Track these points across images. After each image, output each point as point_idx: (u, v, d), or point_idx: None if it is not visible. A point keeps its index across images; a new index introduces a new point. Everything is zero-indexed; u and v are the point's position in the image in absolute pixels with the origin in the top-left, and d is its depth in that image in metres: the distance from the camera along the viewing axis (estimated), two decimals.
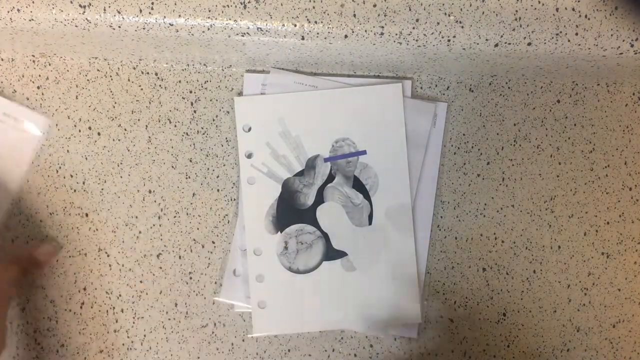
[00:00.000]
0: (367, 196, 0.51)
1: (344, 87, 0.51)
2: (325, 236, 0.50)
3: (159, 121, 0.52)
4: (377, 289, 0.50)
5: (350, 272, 0.50)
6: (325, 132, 0.51)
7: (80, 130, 0.52)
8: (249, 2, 0.44)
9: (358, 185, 0.51)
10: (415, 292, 0.50)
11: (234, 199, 0.52)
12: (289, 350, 0.51)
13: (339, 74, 0.52)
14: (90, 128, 0.52)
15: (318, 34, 0.45)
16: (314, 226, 0.50)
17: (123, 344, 0.51)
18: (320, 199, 0.51)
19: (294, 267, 0.50)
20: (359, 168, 0.51)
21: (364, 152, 0.51)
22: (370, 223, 0.51)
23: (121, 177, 0.52)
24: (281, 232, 0.50)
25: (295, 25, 0.45)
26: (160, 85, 0.52)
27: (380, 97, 0.51)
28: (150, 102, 0.52)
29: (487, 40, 0.45)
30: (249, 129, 0.51)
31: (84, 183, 0.52)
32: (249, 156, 0.51)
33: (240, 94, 0.52)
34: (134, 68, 0.52)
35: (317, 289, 0.50)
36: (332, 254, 0.51)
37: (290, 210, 0.50)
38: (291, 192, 0.50)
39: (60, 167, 0.52)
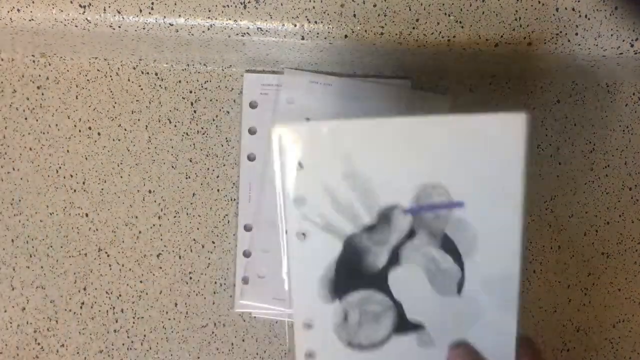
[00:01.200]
0: (458, 259, 0.39)
1: (439, 116, 0.39)
2: (398, 306, 0.39)
3: (159, 121, 0.52)
4: None
5: (427, 349, 0.39)
6: (408, 174, 0.38)
7: (80, 130, 0.52)
8: (249, 2, 0.44)
9: (447, 245, 0.38)
10: None
11: (234, 199, 0.52)
12: (289, 350, 0.52)
13: (338, 74, 0.52)
14: (90, 128, 0.52)
15: (318, 34, 0.45)
16: (385, 294, 0.39)
17: (123, 344, 0.51)
18: (394, 260, 0.39)
19: (355, 341, 0.39)
20: (452, 224, 0.38)
21: (460, 204, 0.38)
22: (459, 292, 0.39)
23: (121, 177, 0.52)
24: (340, 300, 0.39)
25: (295, 25, 0.45)
26: (160, 85, 0.52)
27: (493, 129, 0.38)
28: (150, 102, 0.52)
29: (487, 40, 0.45)
30: (301, 167, 0.38)
31: (84, 183, 0.52)
32: (301, 203, 0.39)
33: (240, 93, 0.52)
34: (134, 68, 0.52)
35: None
36: (405, 325, 0.39)
37: (354, 273, 0.39)
38: (357, 250, 0.39)
39: (60, 167, 0.52)
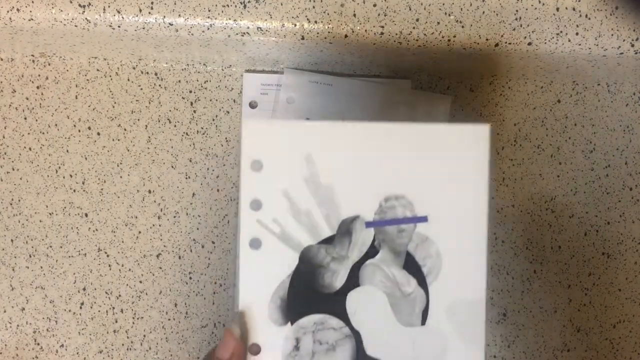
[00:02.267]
0: (422, 283, 0.36)
1: (407, 124, 0.37)
2: (357, 336, 0.36)
3: (159, 121, 0.52)
4: None
5: None
6: (372, 184, 0.36)
7: (79, 130, 0.52)
8: (248, 1, 0.44)
9: (411, 265, 0.36)
10: None
11: (234, 199, 0.52)
12: None
13: (338, 74, 0.52)
14: (89, 128, 0.52)
15: (318, 34, 0.45)
16: (342, 319, 0.35)
17: (123, 344, 0.51)
18: (354, 280, 0.36)
19: None
20: (415, 241, 0.36)
21: (424, 219, 0.36)
22: (423, 322, 0.36)
23: (121, 177, 0.52)
24: (292, 323, 0.36)
25: (295, 25, 0.45)
26: (159, 85, 0.52)
27: (457, 141, 0.36)
28: (149, 102, 0.52)
29: (487, 40, 0.45)
30: (259, 168, 0.35)
31: (83, 183, 0.52)
32: (256, 207, 0.35)
33: (240, 93, 0.52)
34: (134, 68, 0.52)
35: None
36: None
37: (309, 293, 0.36)
38: (313, 266, 0.36)
39: (59, 167, 0.52)
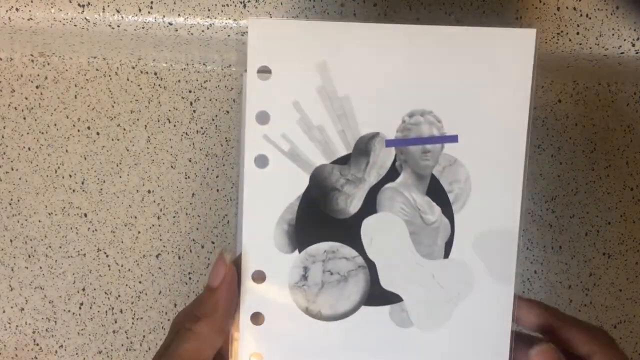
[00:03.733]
0: (447, 211, 0.32)
1: (437, 27, 0.31)
2: (371, 267, 0.32)
3: (158, 121, 0.52)
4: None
5: (403, 329, 0.32)
6: (394, 96, 0.31)
7: (79, 130, 0.52)
8: (248, 1, 0.44)
9: (436, 191, 0.32)
10: None
11: (234, 199, 0.52)
12: None
13: None
14: (89, 128, 0.52)
15: None
16: (355, 248, 0.32)
17: (122, 345, 0.51)
18: (370, 205, 0.32)
19: (314, 308, 0.32)
20: (442, 164, 0.31)
21: (454, 139, 0.31)
22: (446, 255, 0.32)
23: (120, 177, 0.52)
24: (300, 251, 0.32)
25: None
26: (159, 85, 0.52)
27: (497, 47, 0.31)
28: (149, 102, 0.52)
29: None
30: (267, 75, 0.31)
31: (82, 183, 0.52)
32: (263, 121, 0.31)
33: (239, 93, 0.52)
34: (133, 67, 0.52)
35: (348, 347, 0.32)
36: (377, 296, 0.32)
37: (320, 219, 0.32)
38: (325, 188, 0.32)
39: (59, 167, 0.51)
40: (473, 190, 0.31)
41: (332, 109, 0.31)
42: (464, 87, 0.31)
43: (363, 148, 0.31)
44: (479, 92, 0.31)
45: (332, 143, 0.31)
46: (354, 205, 0.32)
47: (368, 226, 0.32)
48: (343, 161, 0.31)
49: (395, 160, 0.31)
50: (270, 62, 0.31)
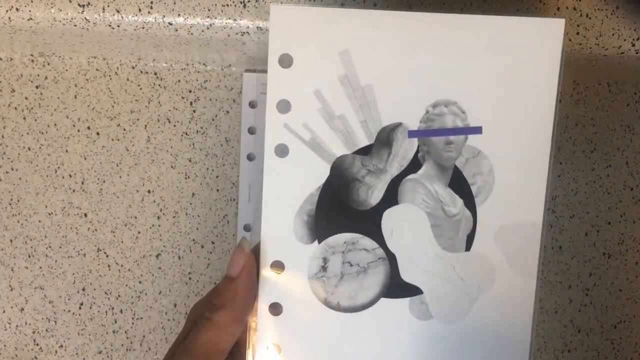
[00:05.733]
0: (470, 204, 0.31)
1: (464, 15, 0.31)
2: (391, 259, 0.32)
3: (158, 121, 0.52)
4: (463, 353, 0.32)
5: (423, 322, 0.32)
6: (418, 87, 0.31)
7: (79, 130, 0.52)
8: (248, 1, 0.44)
9: (459, 183, 0.31)
10: None
11: (234, 199, 0.52)
12: None
13: None
14: (89, 128, 0.52)
15: None
16: (375, 240, 0.32)
17: (122, 345, 0.51)
18: (392, 197, 0.32)
19: (333, 300, 0.32)
20: (465, 156, 0.31)
21: (478, 130, 0.31)
22: (468, 248, 0.32)
23: (120, 177, 0.52)
24: (320, 242, 0.32)
25: None
26: (159, 85, 0.52)
27: (525, 37, 0.30)
28: (149, 102, 0.52)
29: None
30: (289, 63, 0.30)
31: (82, 183, 0.52)
32: (284, 109, 0.31)
33: (239, 93, 0.52)
34: (133, 67, 0.52)
35: (367, 339, 0.32)
36: (397, 288, 0.32)
37: (340, 210, 0.32)
38: (346, 179, 0.31)
39: (59, 167, 0.51)
40: (496, 182, 0.31)
41: (355, 98, 0.31)
42: (489, 77, 0.30)
43: (385, 138, 0.31)
44: (505, 83, 0.30)
45: (354, 133, 0.31)
46: (375, 197, 0.31)
47: (389, 218, 0.31)
48: (365, 152, 0.31)
49: (417, 151, 0.31)
50: (292, 50, 0.30)
